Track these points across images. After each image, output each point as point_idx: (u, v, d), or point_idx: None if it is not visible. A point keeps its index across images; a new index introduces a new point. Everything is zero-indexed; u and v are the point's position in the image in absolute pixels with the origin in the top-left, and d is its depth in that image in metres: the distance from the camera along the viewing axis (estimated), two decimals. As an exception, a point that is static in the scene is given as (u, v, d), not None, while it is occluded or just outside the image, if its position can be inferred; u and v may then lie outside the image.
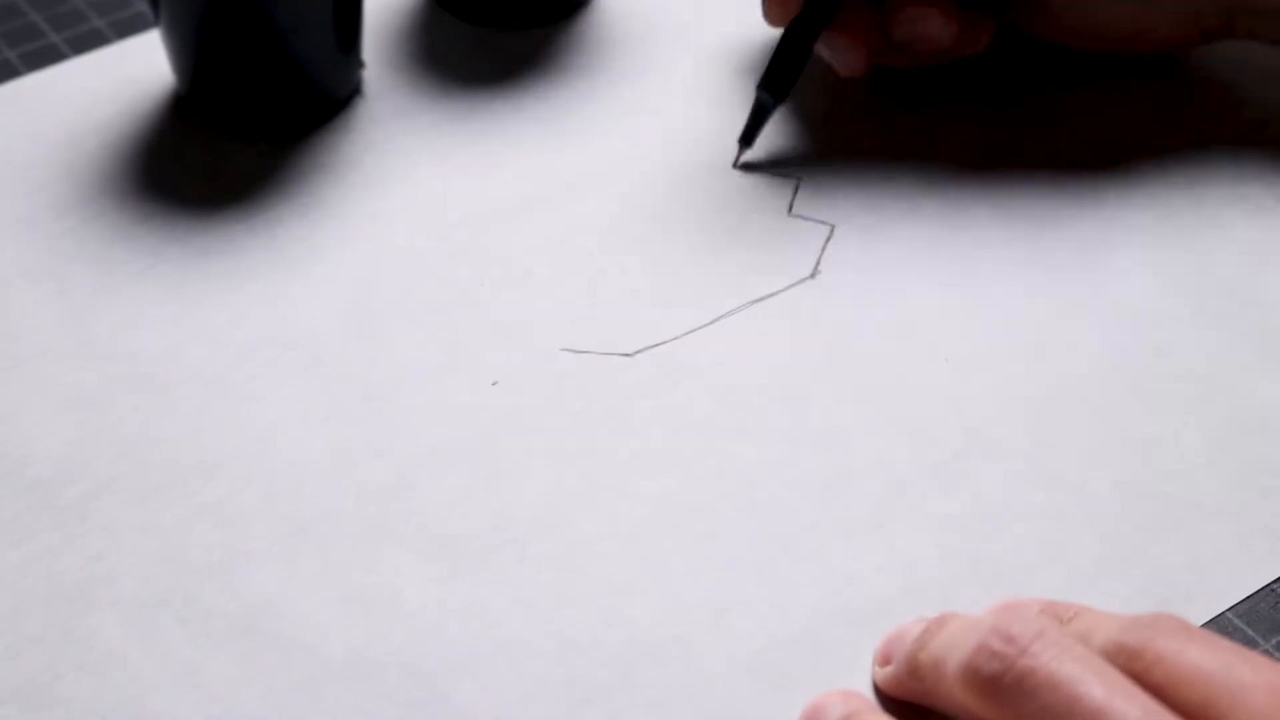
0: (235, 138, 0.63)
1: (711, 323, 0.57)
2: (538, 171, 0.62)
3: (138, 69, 0.66)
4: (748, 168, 0.62)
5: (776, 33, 0.62)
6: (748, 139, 0.62)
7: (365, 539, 0.52)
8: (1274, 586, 0.50)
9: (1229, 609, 0.50)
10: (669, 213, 0.61)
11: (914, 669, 0.45)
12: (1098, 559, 0.51)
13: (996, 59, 0.65)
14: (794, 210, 0.61)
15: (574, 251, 0.60)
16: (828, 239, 0.60)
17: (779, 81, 0.62)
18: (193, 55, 0.62)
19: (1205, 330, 0.57)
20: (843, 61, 0.61)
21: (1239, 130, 0.63)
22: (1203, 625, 0.49)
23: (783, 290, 0.58)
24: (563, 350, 0.57)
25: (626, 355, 0.56)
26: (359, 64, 0.65)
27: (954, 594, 0.50)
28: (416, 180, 0.62)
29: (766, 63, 0.62)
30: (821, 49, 0.62)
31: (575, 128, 0.64)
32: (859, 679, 0.48)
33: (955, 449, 0.54)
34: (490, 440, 0.54)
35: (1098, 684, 0.40)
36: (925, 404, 0.55)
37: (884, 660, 0.47)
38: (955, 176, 0.62)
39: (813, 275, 0.59)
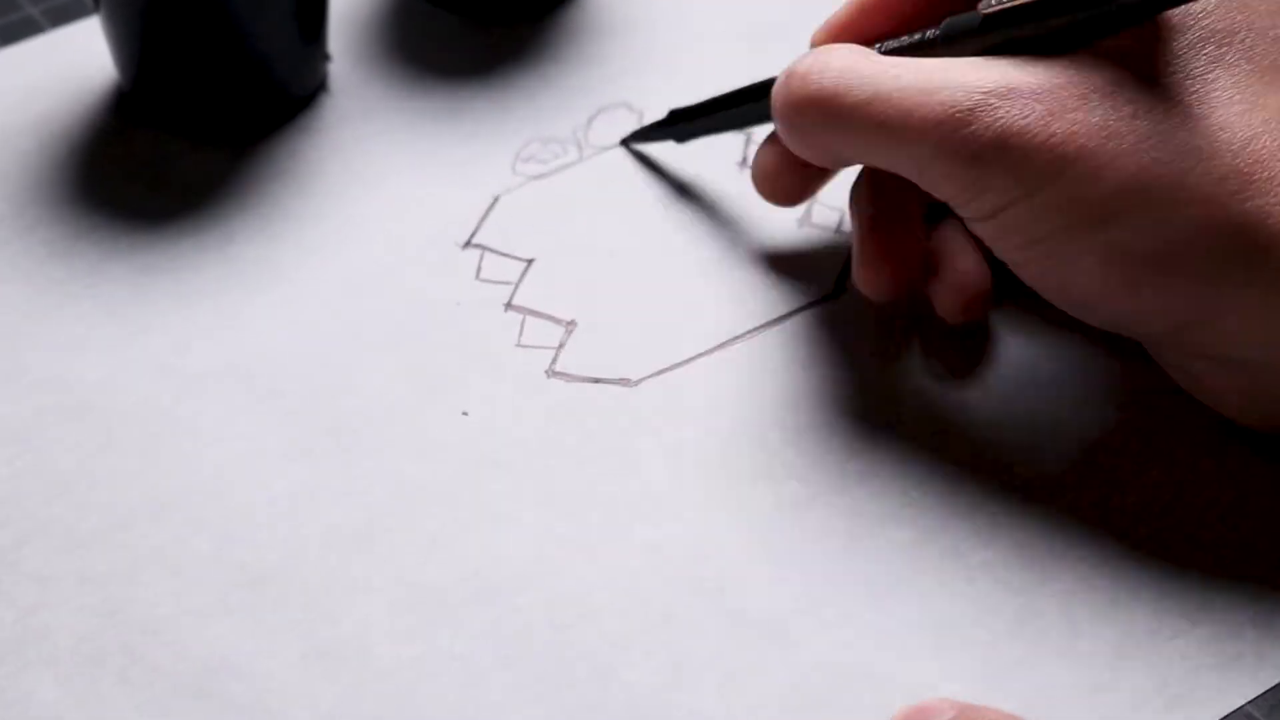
0: (185, 139, 0.64)
1: (721, 346, 0.58)
2: (523, 178, 0.63)
3: (75, 61, 0.67)
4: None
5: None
6: (628, 141, 0.64)
7: (330, 589, 0.52)
8: (1353, 644, 0.51)
9: (1303, 669, 0.50)
10: (671, 222, 0.62)
11: None
12: (1156, 613, 0.51)
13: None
14: (814, 219, 0.62)
15: (565, 266, 0.60)
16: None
17: (690, 125, 0.62)
18: (137, 46, 0.63)
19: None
20: (769, 186, 0.59)
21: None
22: (1277, 686, 0.50)
23: (803, 309, 0.59)
24: (553, 377, 0.57)
25: (626, 383, 0.57)
26: (324, 57, 0.66)
27: (993, 655, 0.50)
28: (388, 187, 0.63)
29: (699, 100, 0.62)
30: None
31: (565, 129, 0.65)
32: (886, 748, 0.49)
33: (995, 487, 0.54)
34: (471, 479, 0.55)
35: None
36: (960, 436, 0.55)
37: None
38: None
39: (835, 294, 0.60)
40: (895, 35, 0.56)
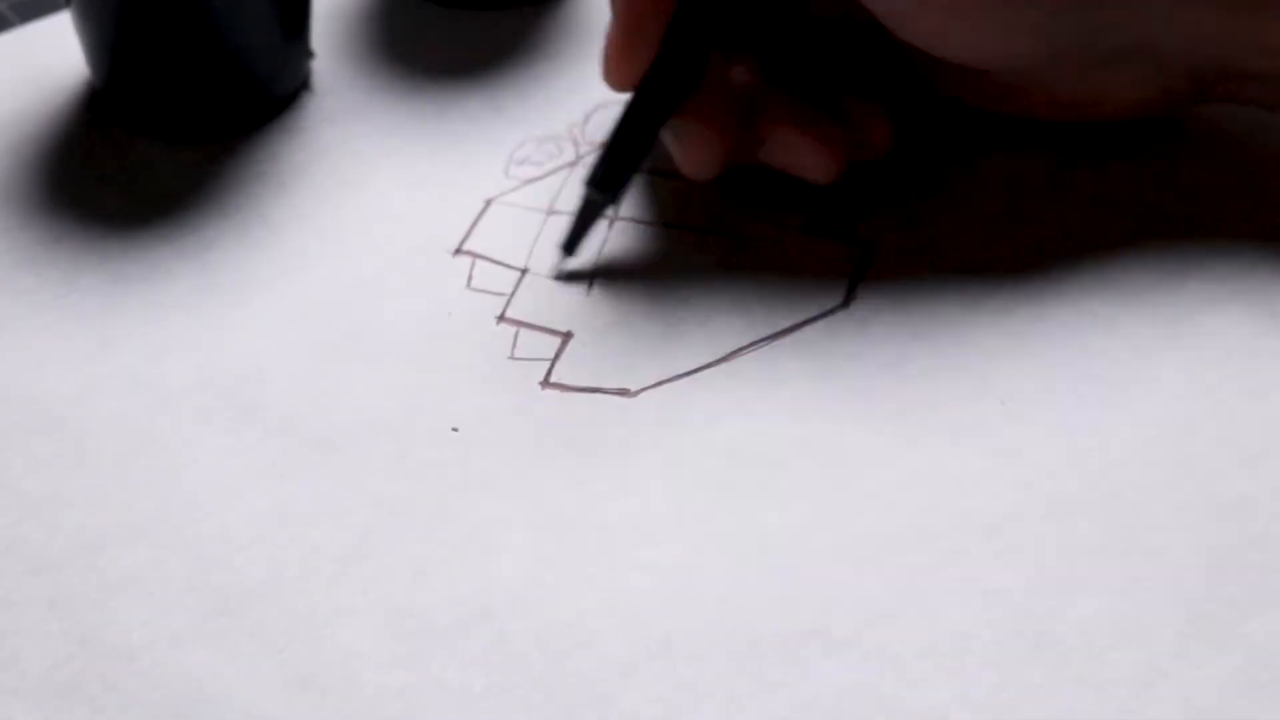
0: (161, 140, 0.64)
1: (723, 359, 0.58)
2: (517, 180, 0.63)
3: (45, 58, 0.67)
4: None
5: None
6: (570, 247, 0.60)
7: (314, 615, 0.52)
8: (1390, 671, 0.51)
9: (1337, 698, 0.50)
10: (674, 228, 0.62)
11: None
12: (1181, 638, 0.51)
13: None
14: (820, 225, 0.62)
15: (560, 273, 0.61)
16: (863, 260, 0.61)
17: (614, 172, 0.59)
18: (110, 41, 0.63)
19: (1309, 368, 0.57)
20: (691, 157, 0.59)
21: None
22: (1306, 717, 0.50)
23: (810, 321, 0.59)
24: (549, 388, 0.57)
25: (625, 394, 0.57)
26: (307, 53, 0.66)
27: (1011, 681, 0.51)
28: (374, 191, 0.63)
29: (599, 152, 0.60)
30: (667, 137, 0.60)
31: (561, 128, 0.65)
32: (899, 781, 0.49)
33: (1012, 508, 0.54)
34: (461, 499, 0.55)
35: None
36: (977, 455, 0.56)
37: None
38: (1013, 184, 0.62)
39: (845, 304, 0.60)
40: None
